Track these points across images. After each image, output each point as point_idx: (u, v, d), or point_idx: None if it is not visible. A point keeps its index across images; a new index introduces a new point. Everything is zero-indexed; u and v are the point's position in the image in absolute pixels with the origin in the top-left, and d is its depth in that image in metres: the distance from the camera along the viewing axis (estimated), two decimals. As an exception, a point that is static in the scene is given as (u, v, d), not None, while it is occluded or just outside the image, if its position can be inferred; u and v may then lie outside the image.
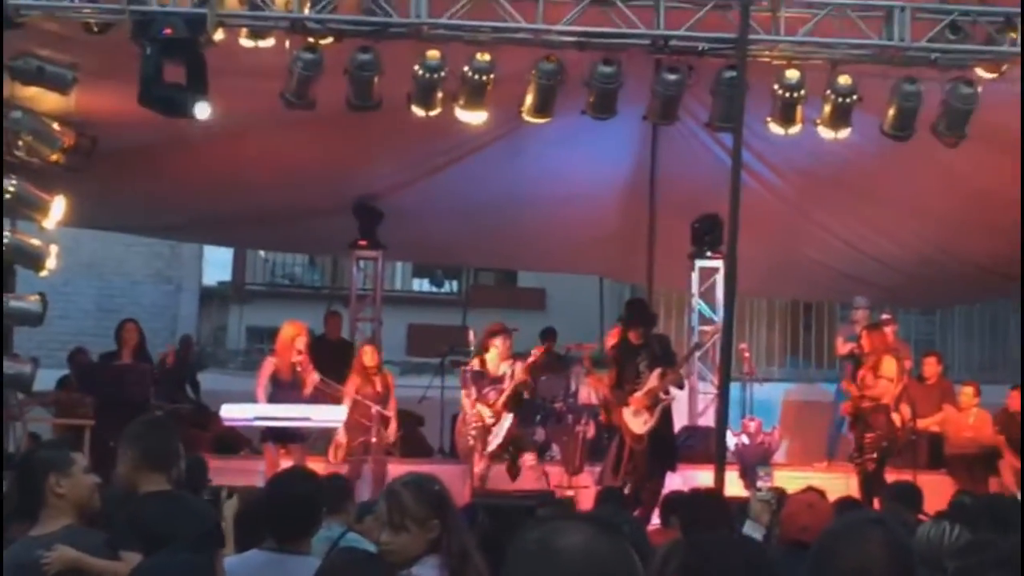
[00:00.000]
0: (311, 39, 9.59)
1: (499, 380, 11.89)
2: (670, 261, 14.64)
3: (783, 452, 13.96)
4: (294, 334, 11.46)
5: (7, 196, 10.20)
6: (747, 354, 14.64)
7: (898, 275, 14.64)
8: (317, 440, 12.17)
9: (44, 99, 10.16)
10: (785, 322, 19.75)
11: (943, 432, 13.37)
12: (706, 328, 14.61)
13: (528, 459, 12.03)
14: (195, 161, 12.12)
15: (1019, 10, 9.52)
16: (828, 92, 10.05)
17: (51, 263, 10.88)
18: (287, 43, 9.63)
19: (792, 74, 9.97)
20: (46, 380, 12.00)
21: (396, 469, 10.77)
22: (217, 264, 22.41)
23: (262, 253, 22.83)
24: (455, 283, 24.38)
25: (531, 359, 12.24)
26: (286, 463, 10.70)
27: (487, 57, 9.78)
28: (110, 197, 12.67)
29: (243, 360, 20.49)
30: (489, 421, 11.79)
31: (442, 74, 9.77)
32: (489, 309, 18.91)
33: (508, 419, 11.83)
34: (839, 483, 11.45)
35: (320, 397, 11.52)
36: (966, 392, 13.47)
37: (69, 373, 13.82)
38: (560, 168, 13.12)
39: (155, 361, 13.84)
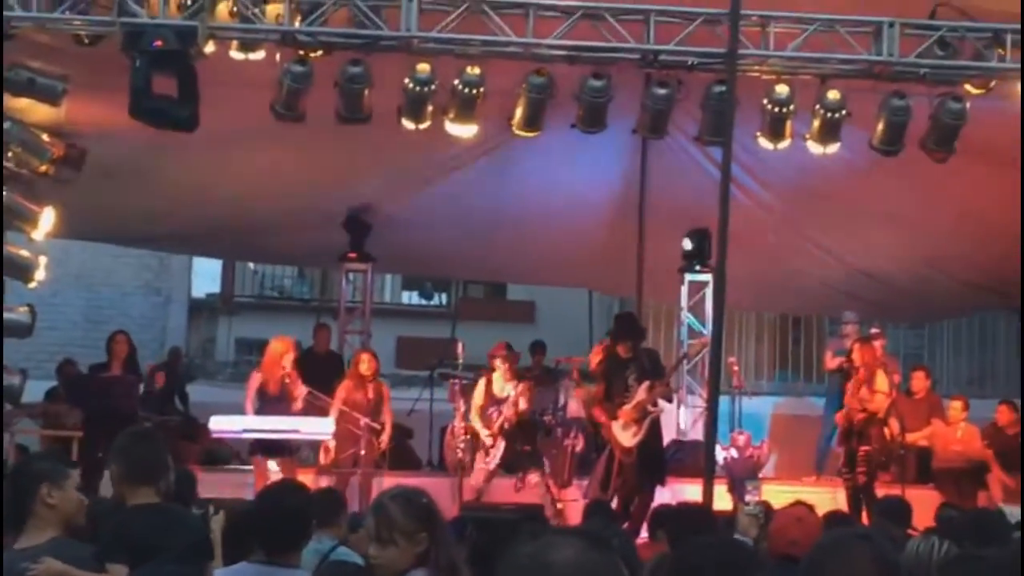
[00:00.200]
0: (301, 52, 9.60)
1: (501, 401, 11.98)
2: (659, 274, 14.66)
3: (772, 466, 13.96)
4: (283, 351, 11.43)
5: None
6: (736, 368, 14.66)
7: (887, 289, 14.67)
8: (307, 452, 12.19)
9: (34, 110, 10.14)
10: (774, 336, 19.76)
11: (931, 446, 13.36)
12: (694, 342, 14.62)
13: (532, 478, 12.06)
14: (185, 173, 12.11)
15: (1007, 27, 9.55)
16: (817, 107, 10.08)
17: (40, 274, 10.86)
18: (277, 56, 9.63)
19: (782, 89, 10.01)
20: (34, 391, 11.96)
21: (384, 482, 10.78)
22: (206, 276, 22.35)
23: (251, 265, 22.80)
24: (444, 296, 24.37)
25: (529, 383, 12.37)
26: (275, 476, 10.68)
27: (477, 70, 9.79)
28: (99, 208, 12.63)
29: (232, 372, 20.43)
30: (487, 442, 11.86)
31: (432, 87, 9.77)
32: (478, 322, 18.94)
33: (502, 445, 11.96)
34: (827, 497, 11.46)
35: (310, 410, 11.50)
36: (954, 406, 13.47)
37: (57, 384, 13.80)
38: (550, 181, 13.14)
39: (144, 375, 13.81)
